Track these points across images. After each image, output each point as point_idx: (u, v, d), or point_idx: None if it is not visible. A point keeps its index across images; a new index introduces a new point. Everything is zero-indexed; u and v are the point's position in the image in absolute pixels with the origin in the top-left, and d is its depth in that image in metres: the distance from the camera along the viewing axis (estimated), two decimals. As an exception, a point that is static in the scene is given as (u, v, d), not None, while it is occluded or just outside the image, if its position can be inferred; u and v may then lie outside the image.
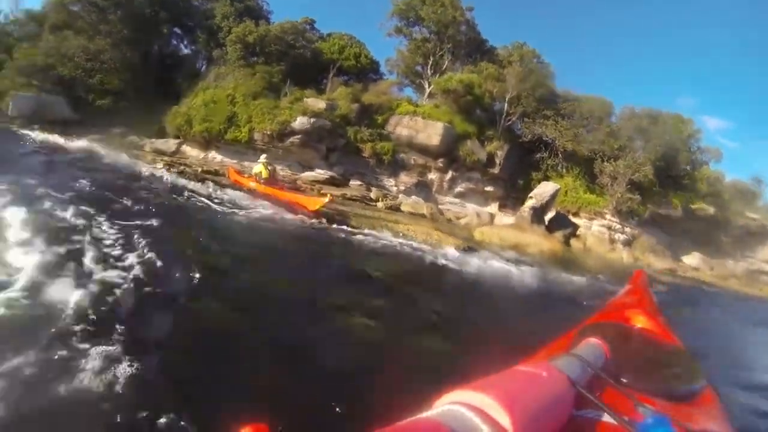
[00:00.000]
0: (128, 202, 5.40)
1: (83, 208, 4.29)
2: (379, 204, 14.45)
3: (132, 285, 2.63)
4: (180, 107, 14.79)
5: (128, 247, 3.38)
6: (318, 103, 14.34)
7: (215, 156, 14.50)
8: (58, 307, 2.16)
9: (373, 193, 14.71)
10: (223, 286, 3.11)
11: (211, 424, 1.49)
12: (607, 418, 0.80)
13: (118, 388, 1.60)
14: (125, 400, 1.55)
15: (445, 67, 17.28)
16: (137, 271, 2.87)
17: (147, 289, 2.64)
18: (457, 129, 16.42)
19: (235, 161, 14.25)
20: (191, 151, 14.69)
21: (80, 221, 3.89)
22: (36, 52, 17.35)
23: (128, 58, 16.31)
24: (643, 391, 0.99)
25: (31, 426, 1.43)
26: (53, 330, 1.94)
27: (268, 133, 13.79)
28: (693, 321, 6.51)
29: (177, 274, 2.98)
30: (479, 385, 0.67)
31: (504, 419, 0.59)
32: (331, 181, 14.13)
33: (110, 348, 1.83)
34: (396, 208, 14.63)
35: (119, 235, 3.63)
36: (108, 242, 3.43)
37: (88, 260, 2.92)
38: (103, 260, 2.97)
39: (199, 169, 13.58)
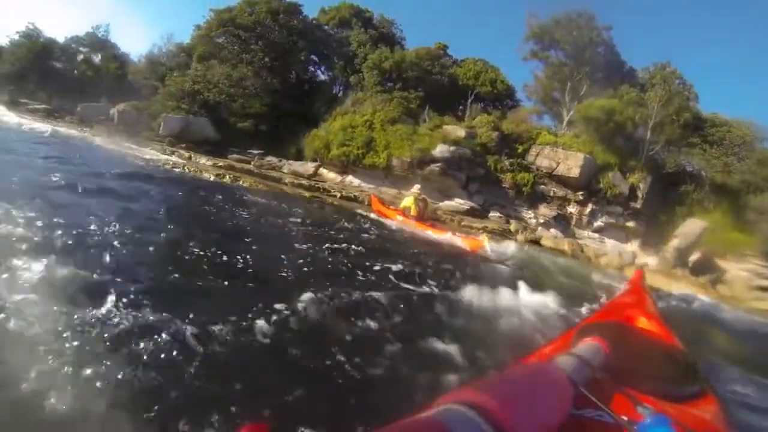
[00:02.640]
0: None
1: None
2: (519, 237, 13.49)
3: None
4: (318, 131, 15.21)
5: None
6: (457, 131, 13.90)
7: (352, 180, 14.59)
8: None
9: (512, 226, 13.80)
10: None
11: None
12: (606, 417, 0.79)
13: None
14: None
15: (583, 92, 16.10)
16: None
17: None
18: (597, 159, 15.18)
19: (372, 186, 14.21)
20: (328, 174, 14.95)
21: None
22: (185, 79, 19.14)
23: (268, 84, 17.34)
24: (643, 391, 0.98)
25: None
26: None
27: (408, 160, 13.55)
28: None
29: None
30: (480, 385, 0.66)
31: (504, 418, 0.58)
32: (470, 212, 13.48)
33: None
34: (536, 242, 13.59)
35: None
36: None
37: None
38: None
39: (338, 194, 13.69)
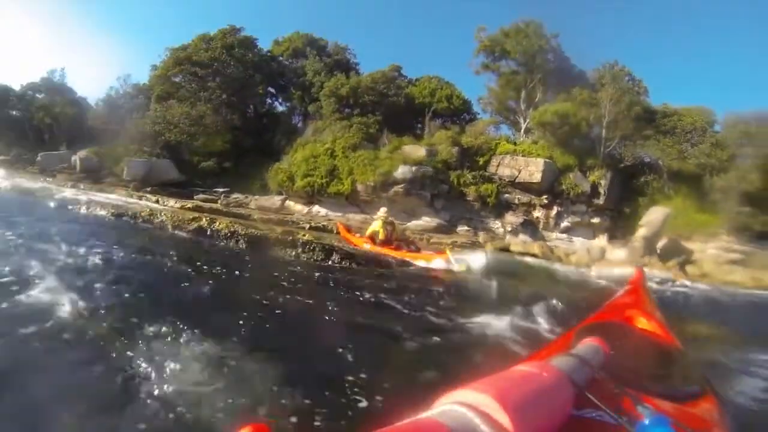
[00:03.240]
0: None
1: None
2: (488, 247, 13.74)
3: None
4: (281, 164, 15.24)
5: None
6: (418, 151, 14.14)
7: (319, 210, 14.64)
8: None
9: (481, 237, 14.05)
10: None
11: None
12: (606, 417, 0.79)
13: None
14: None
15: (537, 98, 16.59)
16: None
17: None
18: (557, 163, 15.64)
19: (339, 214, 14.28)
20: (295, 206, 14.97)
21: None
22: (145, 122, 18.95)
23: (228, 120, 17.33)
24: (643, 391, 0.97)
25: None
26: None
27: (371, 184, 13.70)
28: None
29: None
30: (479, 385, 0.65)
31: (504, 419, 0.58)
32: (438, 229, 13.68)
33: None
34: (505, 249, 13.86)
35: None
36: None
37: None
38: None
39: (307, 226, 13.70)
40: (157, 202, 15.72)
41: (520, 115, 16.63)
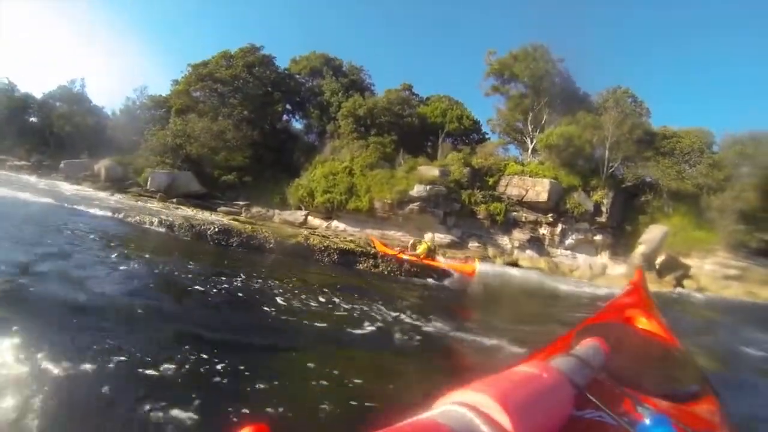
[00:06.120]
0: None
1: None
2: (497, 261, 14.56)
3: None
4: (301, 180, 16.03)
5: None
6: (432, 171, 14.96)
7: (338, 225, 15.43)
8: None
9: (490, 252, 14.87)
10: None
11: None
12: (607, 418, 0.80)
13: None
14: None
15: (544, 120, 17.45)
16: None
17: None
18: (562, 182, 16.46)
19: (357, 229, 15.07)
20: (314, 221, 15.75)
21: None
22: (166, 134, 19.70)
23: (248, 136, 18.12)
24: (643, 392, 0.98)
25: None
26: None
27: (389, 202, 14.51)
28: None
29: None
30: (479, 386, 0.66)
31: (504, 419, 0.59)
32: (451, 245, 14.47)
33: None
34: (514, 264, 14.66)
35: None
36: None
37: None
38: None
39: (338, 240, 14.50)
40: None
41: (527, 136, 17.48)
